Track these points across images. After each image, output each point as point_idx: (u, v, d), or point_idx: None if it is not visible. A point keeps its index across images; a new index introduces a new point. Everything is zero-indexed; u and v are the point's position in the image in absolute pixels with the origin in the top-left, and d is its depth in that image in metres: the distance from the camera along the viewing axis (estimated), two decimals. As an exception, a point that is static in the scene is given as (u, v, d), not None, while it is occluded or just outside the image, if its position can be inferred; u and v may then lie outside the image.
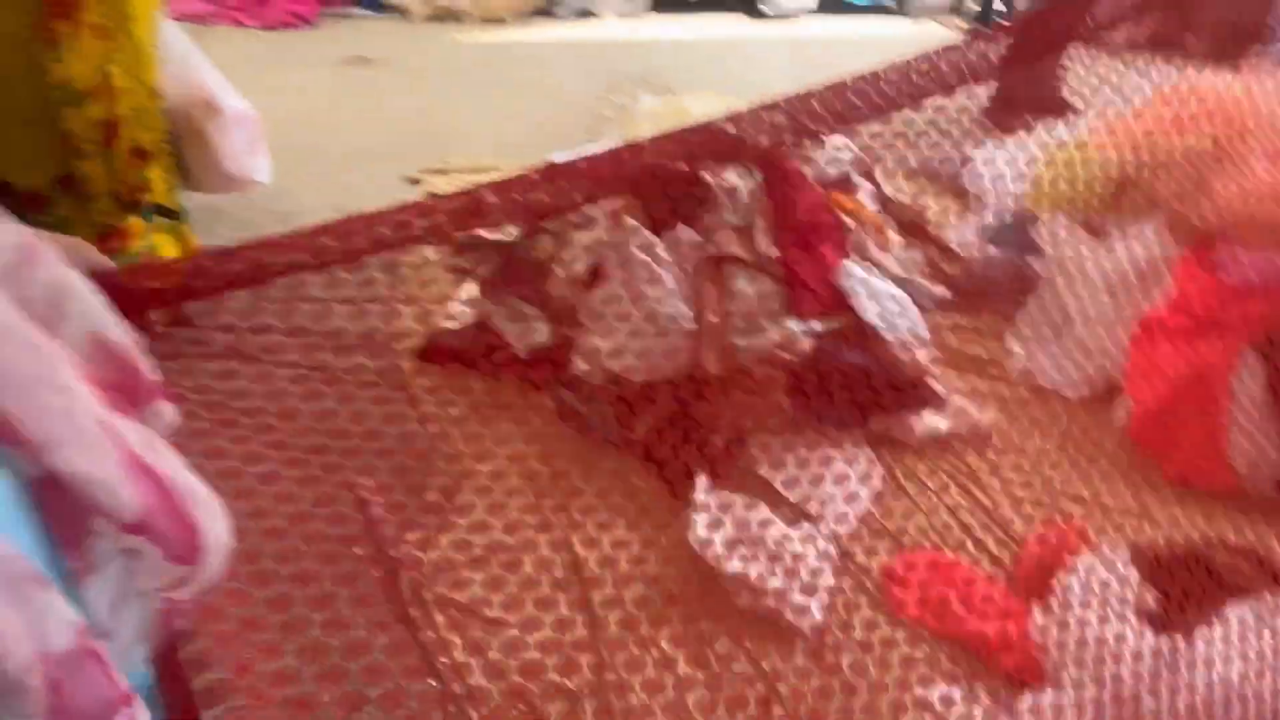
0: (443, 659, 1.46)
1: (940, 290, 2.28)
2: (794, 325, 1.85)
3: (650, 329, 1.85)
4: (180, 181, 2.11)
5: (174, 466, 0.45)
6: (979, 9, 5.12)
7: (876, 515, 1.74)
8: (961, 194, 2.73)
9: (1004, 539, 1.71)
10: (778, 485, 1.75)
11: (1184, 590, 1.37)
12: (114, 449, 0.40)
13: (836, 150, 2.46)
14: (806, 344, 1.83)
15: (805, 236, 1.97)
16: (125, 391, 0.46)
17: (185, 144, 2.02)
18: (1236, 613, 1.26)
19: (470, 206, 1.56)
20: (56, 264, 0.42)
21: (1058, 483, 1.83)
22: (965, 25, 5.09)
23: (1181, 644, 1.21)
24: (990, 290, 2.32)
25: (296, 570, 1.53)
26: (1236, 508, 1.77)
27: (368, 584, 1.55)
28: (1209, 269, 1.97)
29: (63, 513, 0.38)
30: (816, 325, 1.87)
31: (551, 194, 2.13)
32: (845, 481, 1.76)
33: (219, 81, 2.08)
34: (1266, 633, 1.19)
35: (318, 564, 1.56)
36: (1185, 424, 1.85)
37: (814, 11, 5.15)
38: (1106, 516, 1.72)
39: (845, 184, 2.32)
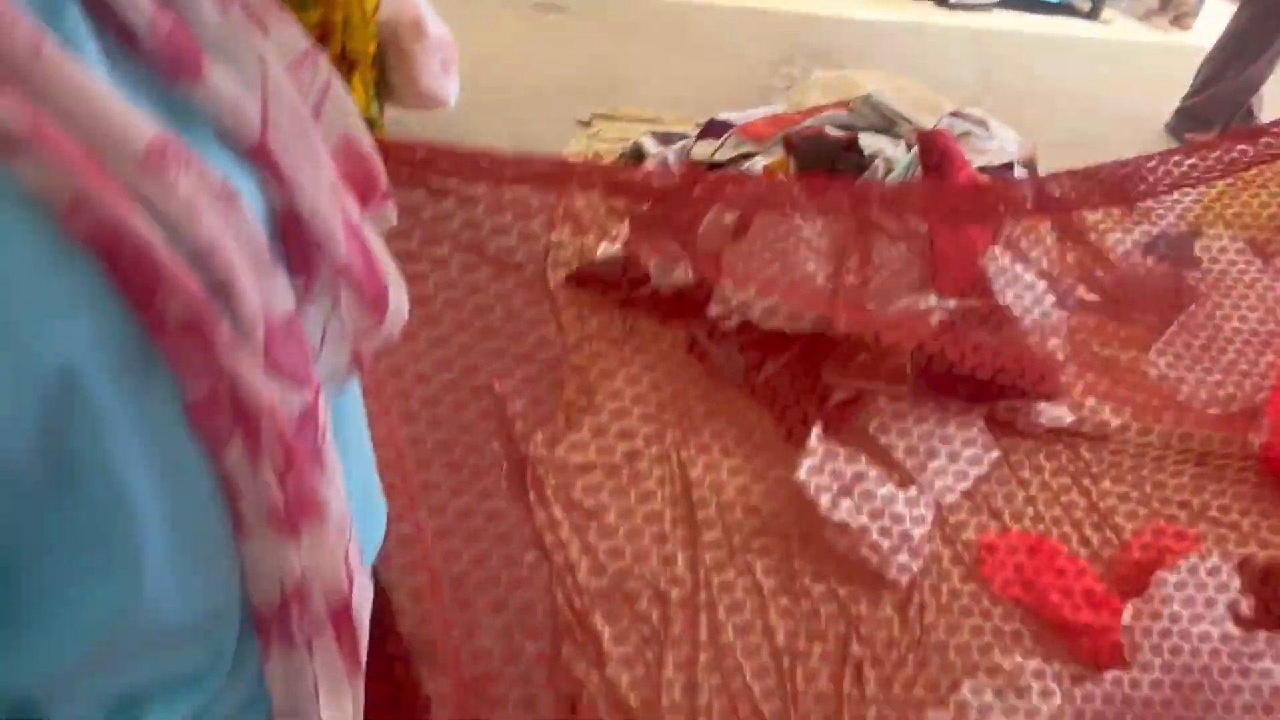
0: (550, 538, 1.61)
1: (1088, 294, 2.25)
2: (930, 299, 1.89)
3: (788, 282, 1.93)
4: (378, 93, 2.31)
5: (377, 245, 0.54)
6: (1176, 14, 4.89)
7: (983, 492, 1.78)
8: (1130, 203, 2.66)
9: (1108, 535, 1.72)
10: (890, 448, 1.80)
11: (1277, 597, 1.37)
12: (340, 210, 0.49)
13: (1005, 140, 2.46)
14: (939, 318, 1.87)
15: (955, 216, 1.99)
16: (360, 187, 0.55)
17: (390, 58, 2.20)
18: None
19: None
20: (328, 69, 0.52)
21: (1174, 491, 1.82)
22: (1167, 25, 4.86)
23: (1266, 641, 1.22)
24: (1142, 301, 2.27)
25: (447, 459, 1.71)
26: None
27: (499, 467, 1.71)
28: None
29: (294, 246, 0.45)
30: (952, 303, 1.90)
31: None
32: (957, 455, 1.80)
33: (426, 5, 2.26)
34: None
35: (463, 451, 1.74)
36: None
37: (1000, 4, 5.02)
38: (1219, 531, 1.70)
39: (1007, 173, 2.31)
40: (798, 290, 1.92)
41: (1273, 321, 2.01)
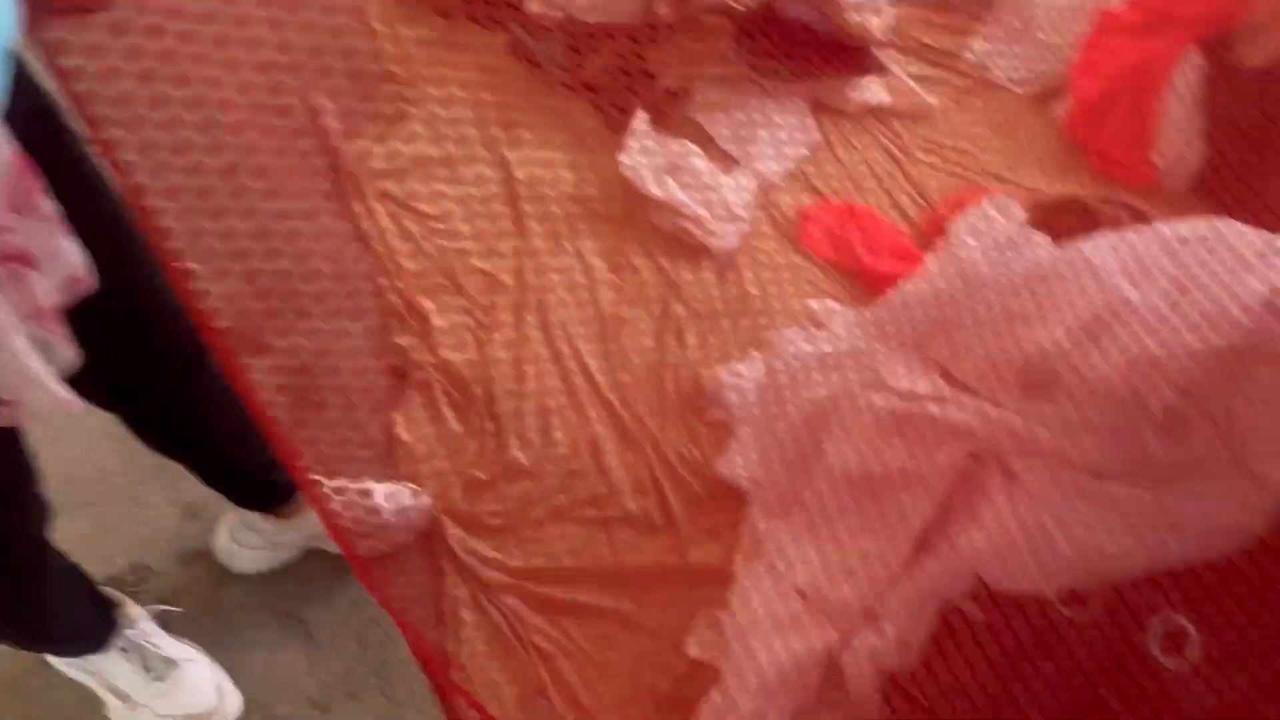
0: (372, 232, 1.59)
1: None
2: (748, -23, 1.86)
3: (607, -30, 1.85)
4: None
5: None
6: None
7: (804, 170, 1.82)
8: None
9: (918, 201, 1.80)
10: (713, 132, 1.82)
11: (1065, 228, 1.47)
12: None
13: None
14: (760, -3, 1.84)
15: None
16: None
17: None
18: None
19: None
20: None
21: (982, 163, 1.90)
22: None
23: (1036, 244, 1.32)
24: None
25: (255, 164, 1.63)
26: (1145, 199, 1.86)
27: (313, 173, 1.65)
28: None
29: None
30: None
31: None
32: (778, 135, 1.82)
33: None
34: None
35: (273, 157, 1.66)
36: (1118, 116, 1.90)
37: None
38: (1023, 191, 1.80)
39: None
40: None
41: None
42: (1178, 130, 1.88)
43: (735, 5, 1.84)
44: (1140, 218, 1.56)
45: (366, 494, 1.24)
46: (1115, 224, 1.52)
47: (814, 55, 1.85)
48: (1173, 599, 1.06)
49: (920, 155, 1.89)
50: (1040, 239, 1.36)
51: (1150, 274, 1.17)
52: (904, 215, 1.79)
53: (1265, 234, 1.25)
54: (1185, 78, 1.88)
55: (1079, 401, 1.06)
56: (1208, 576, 1.04)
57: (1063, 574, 1.06)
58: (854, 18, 1.88)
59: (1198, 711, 0.99)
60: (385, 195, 1.66)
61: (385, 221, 1.62)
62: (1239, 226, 1.25)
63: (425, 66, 1.89)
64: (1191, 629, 1.02)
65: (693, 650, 1.25)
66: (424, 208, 1.66)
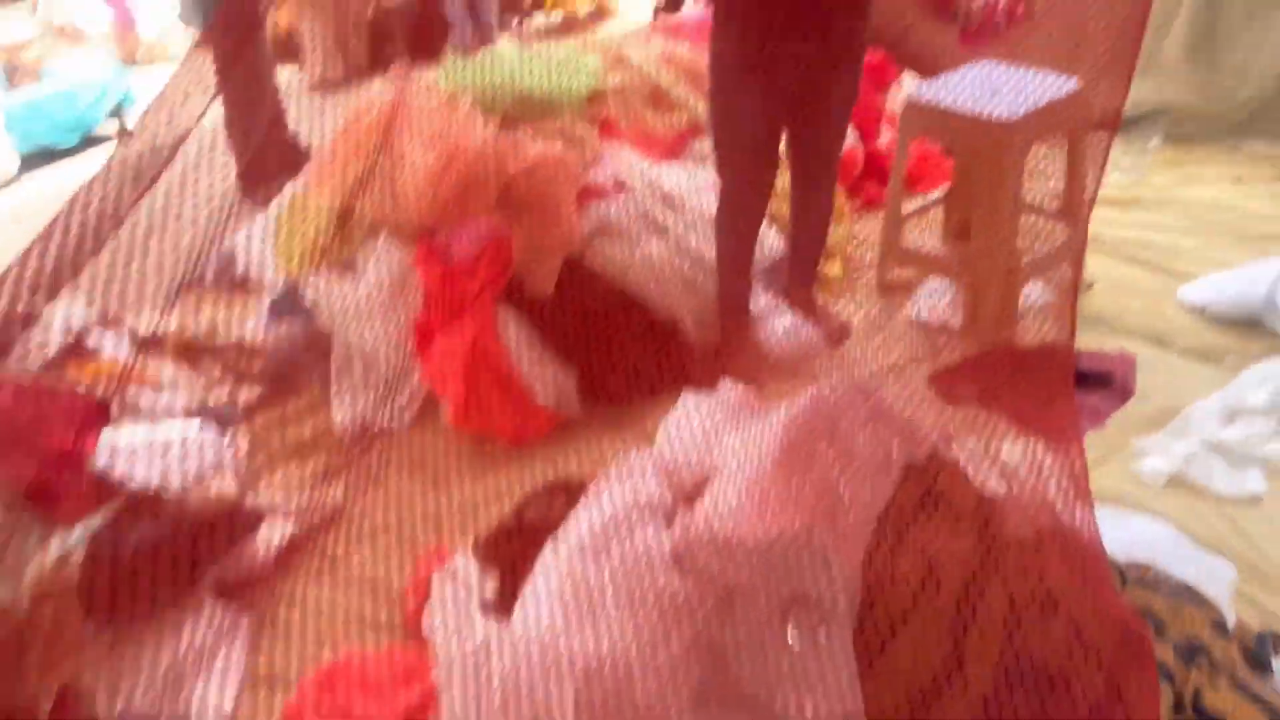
0: None
1: (246, 393, 2.16)
2: (61, 540, 1.59)
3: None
4: None
5: None
6: None
7: (254, 667, 1.58)
8: (242, 284, 2.60)
9: (390, 603, 1.65)
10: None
11: (512, 561, 1.42)
12: None
13: (68, 314, 2.19)
14: (83, 550, 1.58)
15: (33, 442, 1.70)
16: None
17: None
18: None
19: None
20: None
21: (417, 517, 1.82)
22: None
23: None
24: (293, 367, 2.24)
25: None
26: (555, 442, 1.92)
27: None
28: (440, 254, 2.09)
29: None
30: (92, 523, 1.63)
31: None
32: (201, 660, 1.56)
33: None
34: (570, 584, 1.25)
35: None
36: (486, 392, 1.96)
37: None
38: (458, 521, 1.75)
39: (78, 350, 2.07)
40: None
41: (385, 321, 2.11)
42: (536, 368, 1.99)
43: (64, 574, 1.56)
44: (568, 495, 1.54)
45: None
46: (548, 519, 1.50)
47: (183, 555, 1.63)
48: None
49: (354, 557, 1.75)
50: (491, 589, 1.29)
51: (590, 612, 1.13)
52: (387, 628, 1.61)
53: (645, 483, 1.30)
54: (510, 330, 2.00)
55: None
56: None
57: None
58: (204, 494, 1.71)
59: None
60: None
61: None
62: (628, 486, 1.29)
63: None
64: None
65: None
66: None
